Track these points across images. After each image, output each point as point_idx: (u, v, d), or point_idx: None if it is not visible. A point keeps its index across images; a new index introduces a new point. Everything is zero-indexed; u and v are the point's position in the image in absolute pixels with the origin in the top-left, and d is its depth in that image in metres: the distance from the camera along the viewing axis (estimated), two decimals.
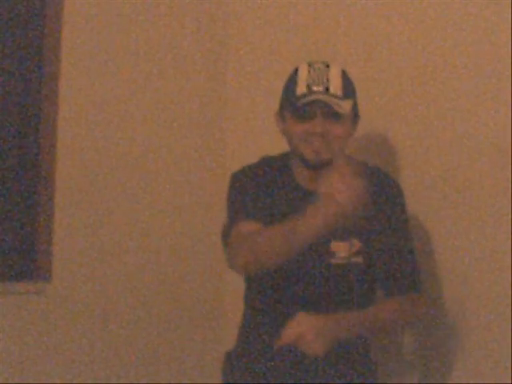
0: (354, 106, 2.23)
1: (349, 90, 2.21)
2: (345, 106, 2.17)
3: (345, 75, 2.23)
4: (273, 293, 2.25)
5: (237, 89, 3.08)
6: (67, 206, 2.76)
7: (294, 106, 2.18)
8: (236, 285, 2.50)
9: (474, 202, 2.43)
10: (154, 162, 2.95)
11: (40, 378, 2.70)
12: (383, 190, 2.26)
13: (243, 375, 2.28)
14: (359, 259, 2.22)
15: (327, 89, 2.16)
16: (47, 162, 2.74)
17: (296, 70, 2.24)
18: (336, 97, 2.16)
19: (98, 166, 2.83)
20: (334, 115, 2.17)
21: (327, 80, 2.17)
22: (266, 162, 2.31)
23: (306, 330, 2.02)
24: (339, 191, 1.92)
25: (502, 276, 2.35)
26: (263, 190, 2.24)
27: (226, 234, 2.25)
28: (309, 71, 2.19)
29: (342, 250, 2.21)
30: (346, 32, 2.75)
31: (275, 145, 2.59)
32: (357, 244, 2.22)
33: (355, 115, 2.25)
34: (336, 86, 2.17)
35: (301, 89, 2.17)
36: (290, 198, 2.23)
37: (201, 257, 3.01)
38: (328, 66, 2.21)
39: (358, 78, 2.68)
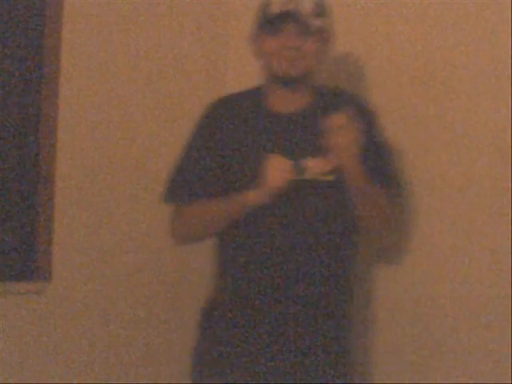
0: (327, 26, 2.30)
1: (320, 9, 2.29)
2: (316, 21, 2.25)
3: None
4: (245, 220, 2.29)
5: (237, 89, 3.08)
6: (67, 206, 2.76)
7: (268, 20, 2.26)
8: None
9: (474, 202, 2.43)
10: (154, 162, 2.95)
11: (40, 378, 2.70)
12: (359, 112, 2.26)
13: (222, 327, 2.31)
14: (331, 177, 2.25)
15: (299, 5, 2.24)
16: (47, 162, 2.74)
17: None
18: (307, 13, 2.24)
19: (98, 166, 2.83)
20: (305, 30, 2.24)
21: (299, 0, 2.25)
22: (241, 93, 2.41)
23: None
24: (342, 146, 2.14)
25: (502, 276, 2.36)
26: (232, 123, 2.32)
27: (170, 199, 2.38)
28: None
29: (314, 166, 2.24)
30: (346, 32, 2.75)
31: None
32: (330, 161, 2.23)
33: (328, 35, 2.32)
34: (307, 4, 2.25)
35: (274, 7, 2.26)
36: (261, 124, 2.30)
37: (201, 257, 3.00)
38: None
39: (358, 79, 2.69)
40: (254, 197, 2.22)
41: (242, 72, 3.08)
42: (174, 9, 2.99)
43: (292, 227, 2.25)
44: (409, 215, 2.56)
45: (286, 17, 2.23)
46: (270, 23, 2.26)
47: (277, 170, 2.18)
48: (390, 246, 2.56)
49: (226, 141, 2.31)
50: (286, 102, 2.30)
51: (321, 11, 2.28)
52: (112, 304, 2.86)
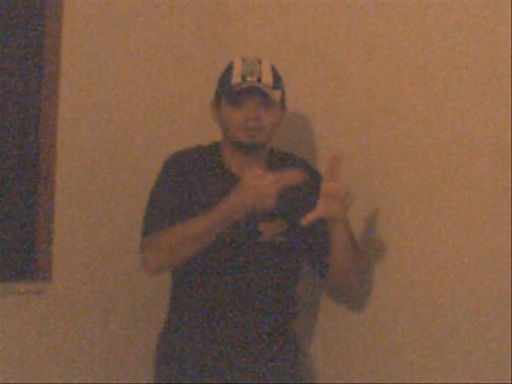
0: (283, 97, 2.47)
1: (278, 82, 2.46)
2: (275, 95, 2.41)
3: (274, 69, 2.46)
4: (202, 268, 2.44)
5: None
6: (67, 206, 2.76)
7: (230, 93, 2.41)
8: None
9: (474, 202, 2.43)
10: (154, 162, 2.95)
11: (40, 377, 2.70)
12: (309, 176, 2.44)
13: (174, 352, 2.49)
14: (284, 238, 2.45)
15: (259, 79, 2.41)
16: (47, 162, 2.74)
17: (231, 64, 2.47)
18: (268, 86, 2.41)
19: (98, 166, 2.83)
20: (266, 103, 2.41)
21: (260, 72, 2.42)
22: (199, 149, 2.54)
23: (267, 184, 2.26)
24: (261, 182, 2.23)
25: (502, 276, 2.36)
26: (192, 176, 2.46)
27: (143, 236, 2.46)
28: (242, 64, 2.43)
29: (268, 229, 2.42)
30: (346, 32, 2.75)
31: (274, 144, 2.60)
32: (282, 223, 2.45)
33: (283, 106, 2.49)
34: (267, 78, 2.42)
35: (236, 79, 2.41)
36: (219, 182, 2.45)
37: None
38: (260, 61, 2.45)
39: (358, 78, 2.69)
40: (235, 201, 2.29)
41: None
42: (173, 9, 2.99)
43: (245, 280, 2.43)
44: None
45: (248, 91, 2.39)
46: (232, 95, 2.40)
47: (258, 182, 2.27)
48: (351, 292, 2.62)
49: (186, 189, 2.43)
50: (243, 165, 2.44)
51: (279, 83, 2.45)
52: (112, 304, 2.86)
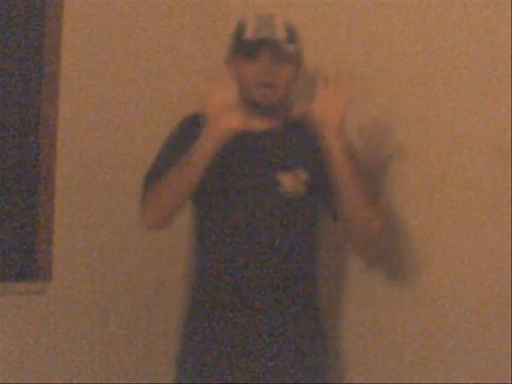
0: (298, 51, 2.38)
1: (293, 36, 2.36)
2: (290, 48, 2.33)
3: (289, 25, 2.38)
4: (220, 226, 2.36)
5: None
6: (67, 206, 2.76)
7: (243, 47, 2.34)
8: None
9: (474, 202, 2.43)
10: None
11: (40, 377, 2.70)
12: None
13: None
14: (302, 190, 2.34)
15: (273, 33, 2.32)
16: (47, 162, 2.74)
17: (243, 20, 2.39)
18: (282, 39, 2.32)
19: (98, 166, 2.83)
20: (280, 56, 2.32)
21: (273, 26, 2.34)
22: None
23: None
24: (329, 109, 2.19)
25: (502, 276, 2.36)
26: None
27: (141, 191, 2.39)
28: (256, 19, 2.36)
29: (287, 180, 2.33)
30: (346, 32, 2.75)
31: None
32: (302, 174, 2.35)
33: (299, 61, 2.40)
34: (281, 31, 2.33)
35: (249, 32, 2.33)
36: (235, 139, 2.30)
37: None
38: (273, 16, 2.37)
39: (358, 78, 2.69)
40: (208, 139, 2.23)
41: None
42: (173, 9, 2.99)
43: (262, 236, 2.33)
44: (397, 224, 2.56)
45: (262, 43, 2.31)
46: (246, 49, 2.33)
47: (227, 113, 2.21)
48: (374, 248, 2.51)
49: None
50: (259, 122, 2.37)
51: (293, 38, 2.36)
52: (112, 304, 2.86)
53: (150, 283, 2.93)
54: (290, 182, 2.33)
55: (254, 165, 2.35)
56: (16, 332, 2.66)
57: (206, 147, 2.23)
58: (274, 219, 2.34)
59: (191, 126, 2.38)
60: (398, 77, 2.61)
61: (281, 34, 2.32)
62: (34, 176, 2.73)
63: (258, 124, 2.36)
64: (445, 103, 2.50)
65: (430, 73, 2.53)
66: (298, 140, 2.38)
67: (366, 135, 2.62)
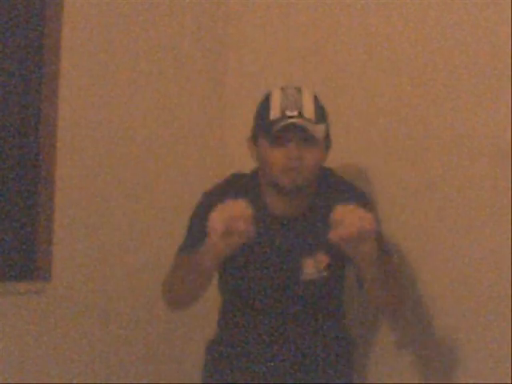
0: (327, 131, 2.24)
1: (321, 114, 2.22)
2: (319, 130, 2.18)
3: (317, 100, 2.24)
4: (245, 307, 2.34)
5: (237, 89, 3.09)
6: (67, 205, 2.76)
7: (269, 131, 2.17)
8: None
9: (474, 202, 2.42)
10: (153, 162, 2.95)
11: (40, 378, 2.70)
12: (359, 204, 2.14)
13: (222, 366, 2.39)
14: (324, 274, 2.29)
15: (300, 113, 2.16)
16: (47, 162, 2.74)
17: (268, 95, 2.24)
18: (310, 121, 2.17)
19: (98, 166, 2.83)
20: (308, 139, 2.17)
21: (300, 104, 2.18)
22: (236, 183, 2.35)
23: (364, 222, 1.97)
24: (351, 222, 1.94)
25: (502, 276, 2.35)
26: None
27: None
28: (281, 96, 2.19)
29: (310, 266, 2.27)
30: (346, 32, 2.75)
31: None
32: (324, 259, 2.28)
33: (328, 140, 2.27)
34: (309, 111, 2.18)
35: (275, 113, 2.17)
36: (258, 222, 2.08)
37: None
38: (300, 91, 2.21)
39: (358, 78, 2.69)
40: (209, 246, 2.05)
41: (242, 72, 3.08)
42: (173, 9, 2.99)
43: (288, 316, 2.32)
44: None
45: (289, 128, 2.15)
46: (272, 132, 2.17)
47: (219, 216, 1.99)
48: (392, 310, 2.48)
49: None
50: (285, 206, 2.27)
51: (321, 116, 2.22)
52: (112, 304, 2.86)
53: (150, 283, 2.93)
54: (312, 267, 2.26)
55: (280, 251, 2.28)
56: (16, 332, 2.66)
57: (209, 263, 2.07)
58: (298, 302, 2.31)
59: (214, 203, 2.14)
60: (398, 77, 2.61)
61: (309, 115, 2.17)
62: (33, 176, 2.73)
63: (283, 206, 2.27)
64: (445, 103, 2.50)
65: (430, 73, 2.53)
66: (320, 223, 2.22)
67: None
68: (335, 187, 2.31)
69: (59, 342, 2.75)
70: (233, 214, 1.95)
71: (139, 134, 2.92)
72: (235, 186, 2.33)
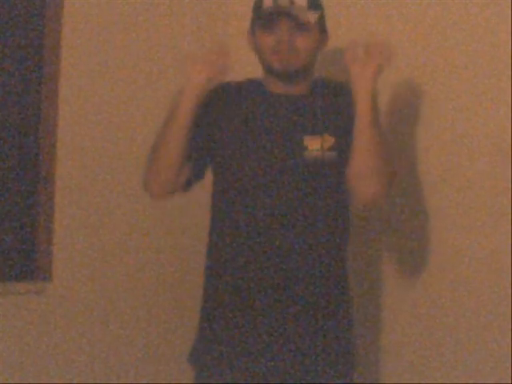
0: (321, 20, 2.31)
1: (314, 3, 2.29)
2: (309, 17, 2.26)
3: None
4: (243, 190, 2.28)
5: None
6: (67, 205, 2.76)
7: (261, 18, 2.29)
8: None
9: (474, 202, 2.43)
10: None
11: (40, 377, 2.70)
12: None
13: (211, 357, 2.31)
14: (331, 154, 2.25)
15: (292, 1, 2.25)
16: (47, 162, 2.74)
17: None
18: (301, 8, 2.25)
19: (98, 166, 2.83)
20: (299, 26, 2.26)
21: None
22: (245, 80, 2.43)
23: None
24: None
25: (502, 276, 2.36)
26: (233, 98, 2.34)
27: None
28: None
29: (314, 144, 2.26)
30: (346, 32, 2.75)
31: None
32: (330, 139, 2.27)
33: (322, 29, 2.32)
34: None
35: (267, 2, 2.28)
36: (259, 102, 2.31)
37: (201, 256, 3.00)
38: None
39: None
40: (184, 96, 2.25)
41: (242, 72, 3.07)
42: (173, 9, 2.99)
43: (287, 200, 2.24)
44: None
45: (279, 13, 2.25)
46: (264, 19, 2.27)
47: (197, 68, 2.25)
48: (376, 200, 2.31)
49: (223, 115, 2.32)
50: (284, 89, 2.32)
51: (315, 5, 2.29)
52: (112, 304, 2.86)
53: (150, 283, 2.93)
54: (317, 145, 2.25)
55: (281, 128, 2.28)
56: (16, 332, 2.66)
57: (185, 101, 2.24)
58: (299, 183, 2.25)
59: (219, 93, 2.35)
60: (398, 77, 2.61)
61: (300, 2, 2.25)
62: (33, 176, 2.73)
63: (283, 90, 2.31)
64: (445, 103, 2.50)
65: (430, 73, 2.53)
66: (324, 106, 2.30)
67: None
68: (332, 87, 2.37)
69: (59, 342, 2.75)
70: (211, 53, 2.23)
71: (139, 134, 2.92)
72: (244, 80, 2.43)
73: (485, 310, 2.39)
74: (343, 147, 2.25)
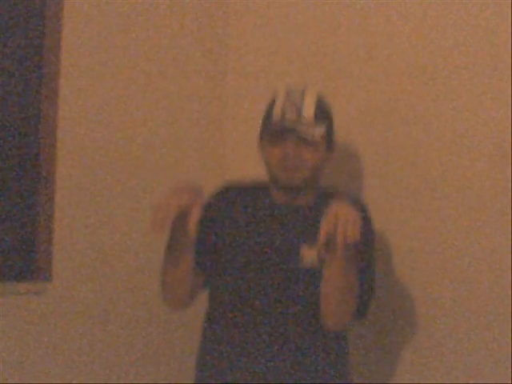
0: (328, 131, 2.33)
1: (322, 115, 2.31)
2: (315, 133, 2.28)
3: (320, 101, 2.33)
4: (239, 292, 2.34)
5: (237, 89, 3.09)
6: (67, 206, 2.76)
7: (269, 132, 2.32)
8: None
9: (474, 202, 2.43)
10: (153, 161, 2.95)
11: (40, 377, 2.70)
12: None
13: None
14: (321, 264, 2.27)
15: (299, 115, 2.28)
16: (47, 162, 2.74)
17: (274, 97, 2.35)
18: (308, 123, 2.27)
19: (98, 166, 2.83)
20: (306, 140, 2.28)
21: (301, 107, 2.29)
22: (251, 182, 2.46)
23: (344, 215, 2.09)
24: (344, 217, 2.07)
25: (502, 276, 2.36)
26: (237, 204, 2.38)
27: None
28: (284, 98, 2.31)
29: (309, 255, 2.30)
30: (346, 32, 2.75)
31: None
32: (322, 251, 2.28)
33: (330, 140, 2.34)
34: (309, 112, 2.29)
35: (276, 115, 2.30)
36: (263, 210, 2.36)
37: None
38: (303, 93, 2.32)
39: (358, 78, 2.69)
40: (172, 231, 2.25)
41: (242, 72, 3.08)
42: (173, 9, 2.99)
43: (283, 302, 2.31)
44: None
45: (286, 128, 2.28)
46: (271, 133, 2.31)
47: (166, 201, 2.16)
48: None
49: (226, 220, 2.37)
50: (290, 200, 2.35)
51: (323, 117, 2.31)
52: (112, 304, 2.86)
53: (150, 283, 2.93)
54: (311, 257, 2.30)
55: (280, 236, 2.33)
56: (16, 332, 2.66)
57: (175, 239, 2.25)
58: (292, 288, 2.31)
59: (224, 196, 2.40)
60: (398, 76, 2.61)
61: (308, 116, 2.28)
62: (33, 176, 2.73)
63: (288, 200, 2.35)
64: (445, 103, 2.50)
65: (430, 72, 2.54)
66: (321, 216, 2.20)
67: None
68: (337, 193, 2.39)
69: (59, 342, 2.75)
70: (183, 200, 2.12)
71: (139, 134, 2.92)
72: (250, 182, 2.46)
73: (485, 310, 2.39)
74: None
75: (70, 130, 2.77)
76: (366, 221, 2.26)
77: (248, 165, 2.57)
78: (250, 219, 2.36)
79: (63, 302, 2.76)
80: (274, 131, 2.30)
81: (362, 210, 2.28)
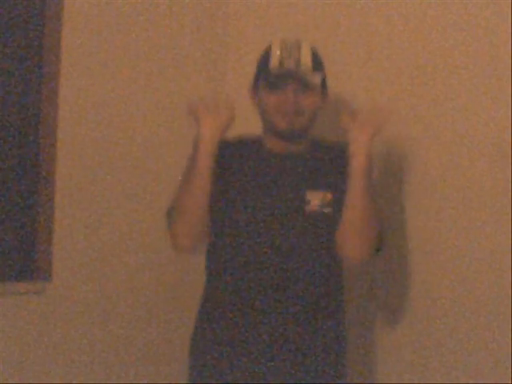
0: (323, 80, 2.36)
1: (318, 64, 2.35)
2: (314, 78, 2.32)
3: (314, 50, 2.36)
4: (246, 237, 2.34)
5: (237, 89, 3.08)
6: (67, 206, 2.76)
7: (268, 78, 2.33)
8: None
9: (474, 202, 2.43)
10: (153, 161, 2.95)
11: (40, 378, 2.70)
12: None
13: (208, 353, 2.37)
14: (329, 210, 2.32)
15: (298, 62, 2.31)
16: (47, 162, 2.74)
17: (269, 47, 2.37)
18: (306, 69, 2.31)
19: (98, 166, 2.83)
20: (304, 86, 2.31)
21: (298, 54, 2.32)
22: (244, 136, 2.47)
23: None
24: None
25: (502, 276, 2.36)
26: (236, 158, 2.39)
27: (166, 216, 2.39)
28: (280, 47, 2.34)
29: (316, 199, 2.32)
30: (346, 32, 2.75)
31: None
32: (328, 195, 2.33)
33: (324, 88, 2.38)
34: (306, 60, 2.32)
35: (274, 63, 2.32)
36: (260, 161, 2.37)
37: (201, 256, 3.00)
38: (299, 44, 2.35)
39: (358, 78, 2.69)
40: (200, 153, 2.29)
41: (242, 72, 3.08)
42: (173, 9, 2.99)
43: (288, 253, 2.31)
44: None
45: (285, 74, 2.30)
46: (270, 80, 2.32)
47: (207, 122, 2.30)
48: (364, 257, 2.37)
49: (226, 174, 2.36)
50: (285, 147, 2.37)
51: (318, 66, 2.35)
52: (112, 304, 2.86)
53: (150, 283, 2.93)
54: (318, 200, 2.33)
55: (284, 183, 2.34)
56: (16, 332, 2.66)
57: (202, 158, 2.28)
58: (300, 236, 2.32)
59: (222, 151, 2.37)
60: (398, 77, 2.61)
61: (305, 64, 2.31)
62: (33, 176, 2.73)
63: (284, 148, 2.36)
64: (445, 103, 2.50)
65: (430, 72, 2.54)
66: (323, 163, 2.37)
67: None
68: (330, 146, 2.42)
69: (59, 342, 2.75)
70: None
71: (139, 134, 2.93)
72: (243, 137, 2.46)
73: (485, 310, 2.39)
74: (339, 204, 2.30)
75: (70, 130, 2.77)
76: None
77: None
78: (250, 170, 2.36)
79: (63, 301, 2.76)
80: (272, 77, 2.31)
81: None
